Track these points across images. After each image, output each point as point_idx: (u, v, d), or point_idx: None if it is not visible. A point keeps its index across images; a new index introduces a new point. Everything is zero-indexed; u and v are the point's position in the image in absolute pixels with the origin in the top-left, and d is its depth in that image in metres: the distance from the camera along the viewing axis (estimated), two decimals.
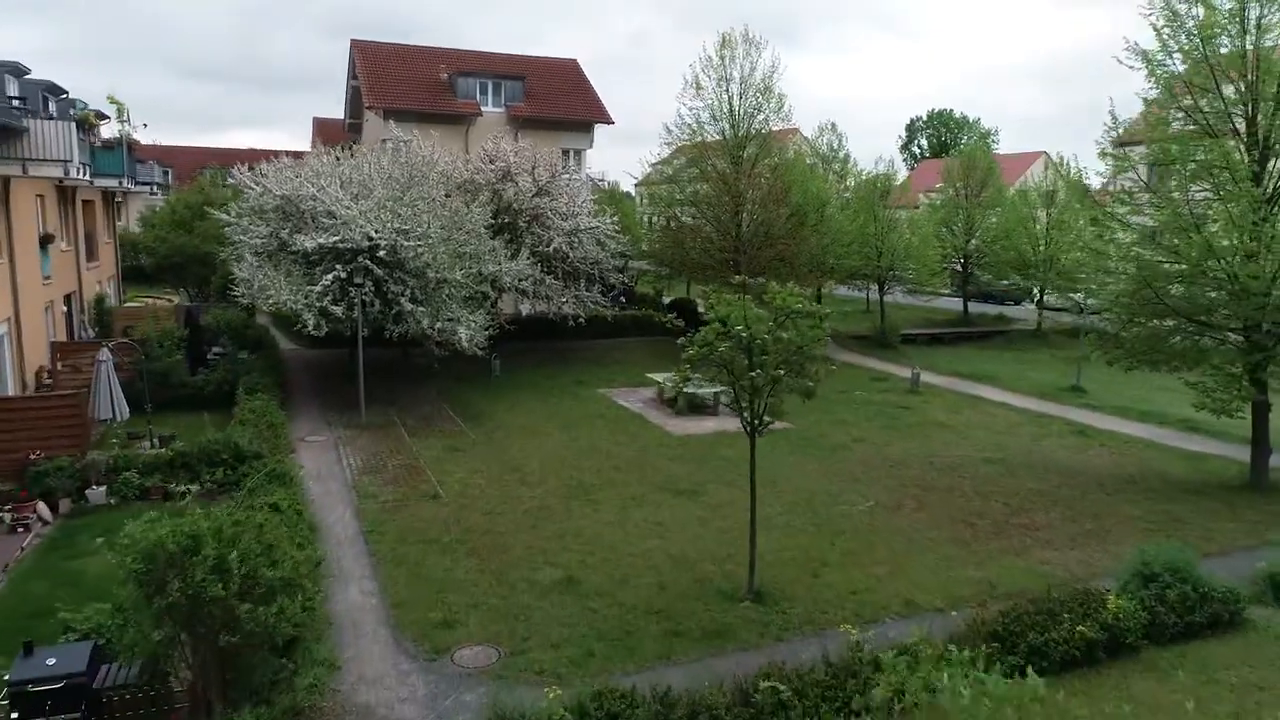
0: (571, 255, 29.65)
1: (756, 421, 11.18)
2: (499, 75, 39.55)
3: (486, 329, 23.47)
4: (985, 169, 43.33)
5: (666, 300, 42.72)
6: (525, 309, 28.77)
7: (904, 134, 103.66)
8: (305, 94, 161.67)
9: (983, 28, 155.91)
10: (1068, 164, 40.28)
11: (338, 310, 20.79)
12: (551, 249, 28.75)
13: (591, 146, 41.30)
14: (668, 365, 30.48)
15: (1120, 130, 17.15)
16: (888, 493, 17.29)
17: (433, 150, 28.87)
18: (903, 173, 47.12)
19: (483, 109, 38.53)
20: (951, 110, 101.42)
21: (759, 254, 31.78)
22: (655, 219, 46.63)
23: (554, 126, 39.22)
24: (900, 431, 22.69)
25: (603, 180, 65.04)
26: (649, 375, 26.53)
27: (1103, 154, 16.88)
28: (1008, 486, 17.84)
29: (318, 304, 20.57)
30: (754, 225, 31.97)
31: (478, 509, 15.43)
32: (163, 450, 16.24)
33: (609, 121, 40.65)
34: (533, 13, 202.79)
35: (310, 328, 20.31)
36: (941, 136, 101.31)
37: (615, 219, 31.11)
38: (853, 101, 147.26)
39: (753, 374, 10.52)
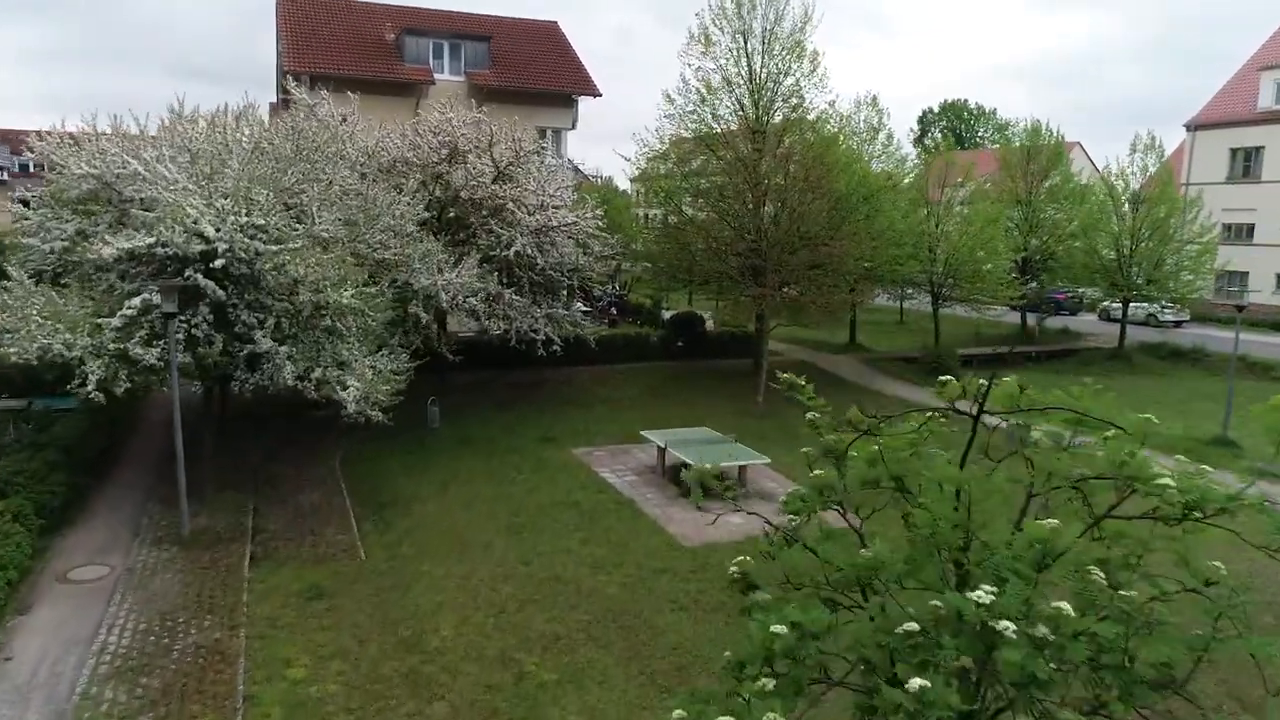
0: (541, 261, 21.94)
1: None
2: (458, 35, 31.69)
3: (401, 375, 15.62)
4: (1051, 155, 35.66)
5: (667, 312, 34.88)
6: (491, 327, 21.31)
7: (916, 127, 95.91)
8: None
9: (979, 28, 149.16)
10: (1158, 142, 32.73)
11: (150, 355, 12.93)
12: (512, 253, 21.03)
13: (574, 126, 33.50)
14: (667, 410, 22.66)
15: None
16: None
17: (351, 116, 21.18)
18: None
19: (437, 76, 30.70)
20: (966, 101, 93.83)
21: (789, 258, 23.98)
22: (652, 214, 38.82)
23: (527, 99, 31.35)
24: None
25: (596, 176, 56.42)
26: (644, 433, 18.69)
27: None
28: None
29: (113, 346, 12.75)
30: (784, 222, 24.17)
31: None
32: None
33: (595, 94, 32.88)
34: (530, 10, 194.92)
35: (91, 388, 12.42)
36: (957, 129, 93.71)
37: (600, 211, 23.43)
38: (849, 101, 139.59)
39: None
